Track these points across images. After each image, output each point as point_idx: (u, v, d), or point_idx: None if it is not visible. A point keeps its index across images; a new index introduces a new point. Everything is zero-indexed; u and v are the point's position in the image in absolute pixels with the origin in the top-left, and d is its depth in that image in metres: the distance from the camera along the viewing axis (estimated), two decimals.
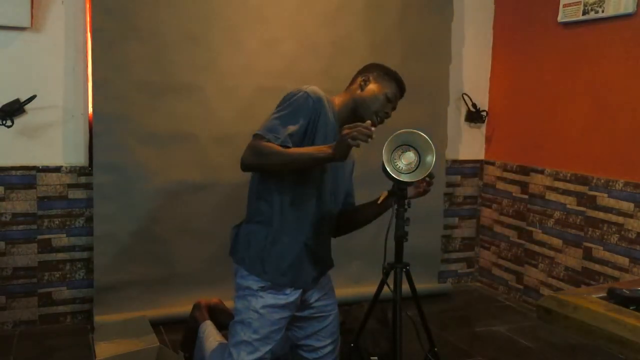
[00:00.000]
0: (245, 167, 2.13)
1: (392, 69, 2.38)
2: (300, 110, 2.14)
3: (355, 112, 2.29)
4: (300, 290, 2.24)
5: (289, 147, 2.08)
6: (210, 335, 2.58)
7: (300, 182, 2.20)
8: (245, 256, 2.22)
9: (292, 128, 2.11)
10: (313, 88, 2.20)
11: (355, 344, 2.35)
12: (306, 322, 2.36)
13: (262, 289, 2.18)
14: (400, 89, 2.36)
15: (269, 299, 2.18)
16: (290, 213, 2.20)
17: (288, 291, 2.20)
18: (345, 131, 1.94)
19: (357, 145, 1.92)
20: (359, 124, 1.95)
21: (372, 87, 2.30)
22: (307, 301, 2.31)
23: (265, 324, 2.17)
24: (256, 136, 2.11)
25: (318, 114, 2.16)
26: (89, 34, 3.13)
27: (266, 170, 2.18)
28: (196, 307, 2.80)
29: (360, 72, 2.38)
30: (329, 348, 2.39)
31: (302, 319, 2.35)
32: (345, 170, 2.39)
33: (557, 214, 3.57)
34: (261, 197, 2.23)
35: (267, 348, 2.18)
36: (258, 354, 2.17)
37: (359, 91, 2.31)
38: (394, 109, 2.35)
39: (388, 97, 2.30)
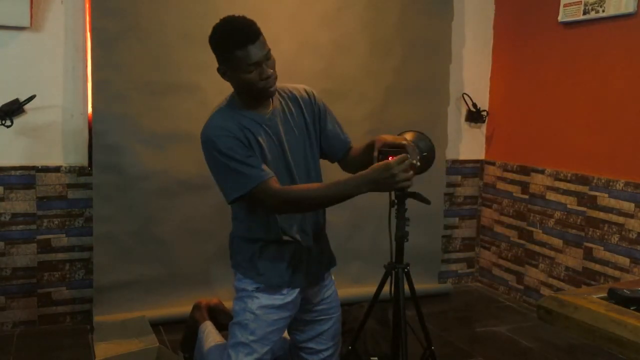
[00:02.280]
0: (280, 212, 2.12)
1: (220, 31, 2.03)
2: (234, 149, 2.01)
3: (254, 98, 2.09)
4: (298, 290, 2.22)
5: (268, 171, 2.02)
6: (210, 336, 2.58)
7: None
8: (240, 261, 2.23)
9: (251, 160, 2.01)
10: (210, 128, 2.06)
11: (353, 346, 2.34)
12: (308, 325, 2.35)
13: (258, 289, 2.18)
14: (248, 38, 1.98)
15: (265, 299, 2.17)
16: (267, 217, 2.16)
17: (285, 291, 2.19)
18: (394, 171, 1.82)
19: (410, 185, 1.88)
20: (403, 157, 1.84)
21: (232, 73, 2.04)
22: (310, 301, 2.30)
23: (262, 325, 2.17)
24: (264, 189, 2.00)
25: (242, 136, 2.03)
26: (88, 34, 3.13)
27: None
28: (196, 307, 2.80)
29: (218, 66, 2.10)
30: (330, 351, 2.38)
31: (304, 322, 2.34)
32: (309, 137, 2.20)
33: (557, 214, 3.56)
34: (235, 210, 2.23)
35: (265, 349, 2.18)
36: (256, 355, 2.16)
37: (234, 86, 2.11)
38: (267, 56, 2.03)
39: (250, 68, 1.99)
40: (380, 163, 1.88)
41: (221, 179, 2.09)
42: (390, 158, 1.90)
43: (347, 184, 1.92)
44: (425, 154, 2.10)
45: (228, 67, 2.04)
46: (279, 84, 2.13)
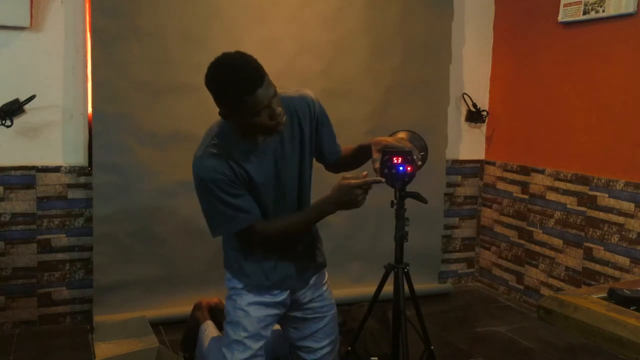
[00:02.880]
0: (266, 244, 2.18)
1: (222, 76, 1.84)
2: (225, 190, 1.98)
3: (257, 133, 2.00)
4: (288, 291, 2.23)
5: (255, 213, 2.04)
6: (211, 336, 2.58)
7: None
8: (230, 263, 2.25)
9: (239, 202, 2.00)
10: (200, 168, 1.98)
11: (353, 346, 2.34)
12: (302, 323, 2.35)
13: (246, 287, 2.20)
14: (255, 82, 1.82)
15: (253, 296, 2.19)
16: None
17: (275, 292, 2.21)
18: (357, 192, 1.94)
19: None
20: (368, 181, 1.94)
21: (237, 119, 1.92)
22: (299, 301, 2.30)
23: (253, 321, 2.18)
24: (248, 231, 2.05)
25: (232, 175, 1.98)
26: (88, 34, 3.13)
27: None
28: (197, 307, 2.80)
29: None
30: (327, 349, 2.37)
31: (297, 319, 2.34)
32: (303, 149, 2.14)
33: (557, 214, 3.56)
34: None
35: (259, 345, 2.19)
36: (250, 352, 2.17)
37: (238, 127, 1.98)
38: (274, 94, 1.88)
39: (261, 112, 1.86)
40: (343, 185, 1.97)
41: (207, 214, 2.09)
42: (395, 159, 1.99)
43: (317, 208, 2.07)
44: (422, 153, 2.12)
45: (232, 111, 1.91)
46: (280, 88, 2.03)
